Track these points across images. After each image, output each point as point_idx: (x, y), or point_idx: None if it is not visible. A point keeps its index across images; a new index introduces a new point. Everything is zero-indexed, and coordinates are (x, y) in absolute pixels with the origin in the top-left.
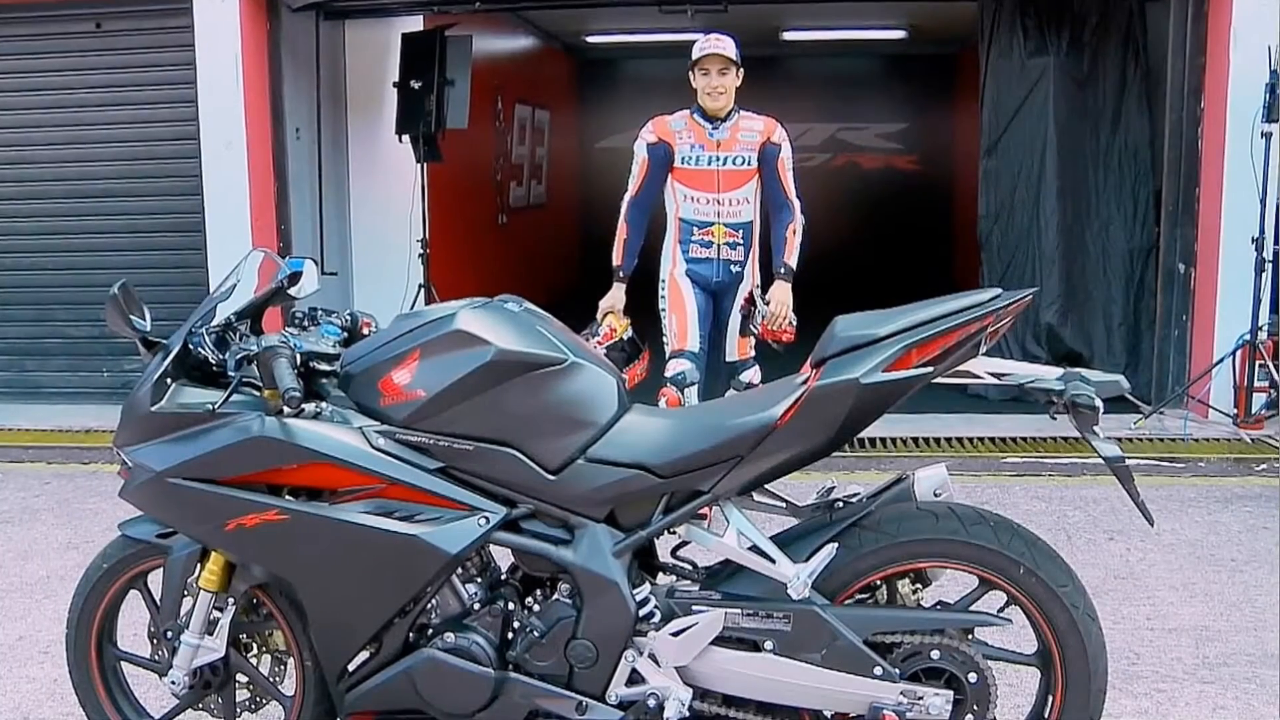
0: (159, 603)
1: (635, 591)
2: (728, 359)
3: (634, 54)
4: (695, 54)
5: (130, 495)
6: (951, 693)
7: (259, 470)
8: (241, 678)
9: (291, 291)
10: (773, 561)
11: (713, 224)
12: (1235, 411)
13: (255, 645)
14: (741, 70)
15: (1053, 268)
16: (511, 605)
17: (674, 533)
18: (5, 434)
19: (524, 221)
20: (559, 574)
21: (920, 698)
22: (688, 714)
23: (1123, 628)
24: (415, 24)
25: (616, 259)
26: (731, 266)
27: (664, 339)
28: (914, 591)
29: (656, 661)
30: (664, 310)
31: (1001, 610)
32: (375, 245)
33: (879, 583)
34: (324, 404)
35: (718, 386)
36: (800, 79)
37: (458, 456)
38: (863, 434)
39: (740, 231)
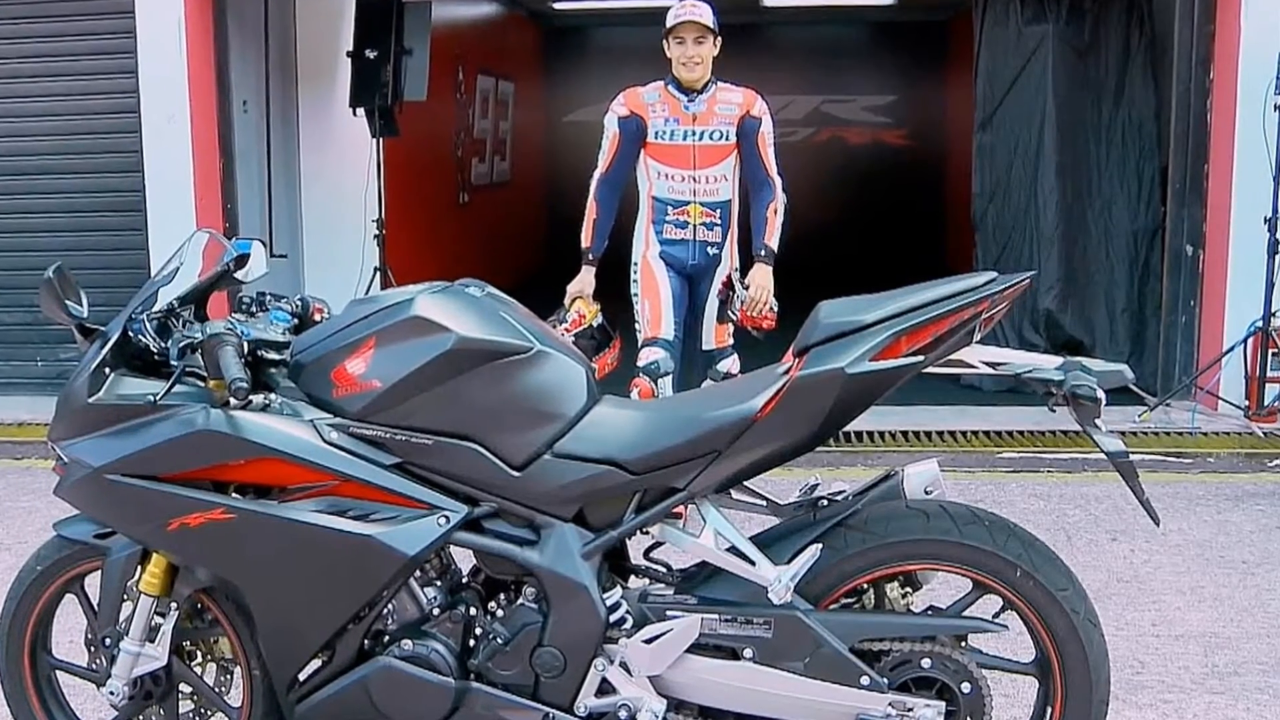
0: (96, 608)
1: (605, 596)
2: (704, 347)
3: (604, 21)
4: (670, 21)
5: (66, 493)
6: (943, 703)
7: (203, 466)
8: (185, 688)
9: (238, 275)
10: (752, 563)
11: (688, 203)
12: (1246, 403)
13: (199, 653)
14: (719, 39)
15: (1052, 250)
16: (473, 610)
17: (647, 533)
18: None
19: (486, 200)
20: (524, 577)
21: (910, 709)
22: None
23: (1126, 634)
24: None
25: (586, 240)
26: (708, 248)
27: (636, 326)
28: (903, 595)
29: (628, 670)
30: (636, 295)
31: (997, 615)
32: (327, 226)
33: (866, 586)
34: (273, 395)
35: (693, 376)
36: (782, 48)
37: (416, 451)
38: (849, 427)
39: (718, 211)
